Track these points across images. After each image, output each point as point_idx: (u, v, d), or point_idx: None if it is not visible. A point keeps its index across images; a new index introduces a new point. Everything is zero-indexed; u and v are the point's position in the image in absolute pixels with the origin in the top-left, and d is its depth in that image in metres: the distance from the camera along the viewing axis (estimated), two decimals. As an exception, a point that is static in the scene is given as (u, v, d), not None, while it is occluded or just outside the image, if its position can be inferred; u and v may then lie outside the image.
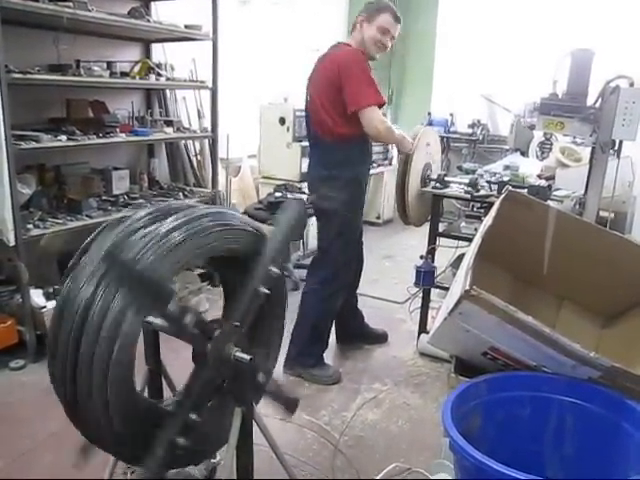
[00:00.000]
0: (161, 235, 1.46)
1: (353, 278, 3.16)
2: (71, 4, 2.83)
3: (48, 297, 3.03)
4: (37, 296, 2.99)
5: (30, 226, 2.89)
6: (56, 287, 3.10)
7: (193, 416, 1.52)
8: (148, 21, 3.43)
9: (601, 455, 1.50)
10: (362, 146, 2.84)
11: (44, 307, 2.95)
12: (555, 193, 2.83)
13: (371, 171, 5.46)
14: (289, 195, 4.33)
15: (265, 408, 1.80)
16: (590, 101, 2.35)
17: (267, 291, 1.65)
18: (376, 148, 5.12)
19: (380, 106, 2.73)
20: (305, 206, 4.01)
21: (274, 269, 1.66)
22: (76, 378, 1.40)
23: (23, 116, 3.03)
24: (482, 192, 3.00)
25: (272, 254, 1.65)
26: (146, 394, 1.80)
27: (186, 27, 3.67)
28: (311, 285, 2.98)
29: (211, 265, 1.90)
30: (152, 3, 3.86)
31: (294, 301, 2.91)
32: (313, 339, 2.95)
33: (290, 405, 1.63)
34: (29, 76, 2.80)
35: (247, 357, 1.56)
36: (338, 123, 2.71)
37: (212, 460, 1.98)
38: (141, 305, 1.39)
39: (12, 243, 2.76)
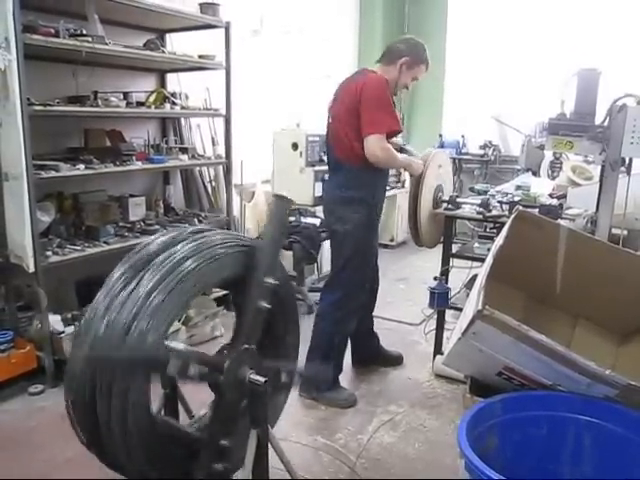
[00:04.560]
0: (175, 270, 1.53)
1: (367, 301, 3.15)
2: (90, 38, 2.93)
3: (66, 323, 3.07)
4: (55, 322, 3.03)
5: (49, 253, 2.95)
6: (74, 312, 3.15)
7: (224, 442, 1.57)
8: (163, 52, 3.53)
9: (619, 474, 1.48)
10: (379, 169, 2.84)
11: (62, 332, 2.99)
12: (567, 212, 2.83)
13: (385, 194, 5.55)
14: (303, 219, 4.37)
15: (280, 431, 1.81)
16: (598, 120, 2.36)
17: (268, 306, 1.66)
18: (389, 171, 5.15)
19: (393, 134, 2.77)
20: (318, 229, 4.07)
21: (270, 280, 1.66)
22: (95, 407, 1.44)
23: (43, 146, 3.12)
24: (494, 212, 3.01)
25: (264, 267, 1.66)
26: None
27: (200, 57, 3.76)
28: (323, 308, 2.97)
29: (224, 288, 1.93)
30: (167, 35, 3.97)
31: (308, 325, 2.92)
32: (327, 362, 2.93)
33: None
34: (49, 108, 2.88)
35: (262, 379, 1.58)
36: (355, 146, 2.74)
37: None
38: (140, 380, 1.44)
39: (32, 269, 2.82)
